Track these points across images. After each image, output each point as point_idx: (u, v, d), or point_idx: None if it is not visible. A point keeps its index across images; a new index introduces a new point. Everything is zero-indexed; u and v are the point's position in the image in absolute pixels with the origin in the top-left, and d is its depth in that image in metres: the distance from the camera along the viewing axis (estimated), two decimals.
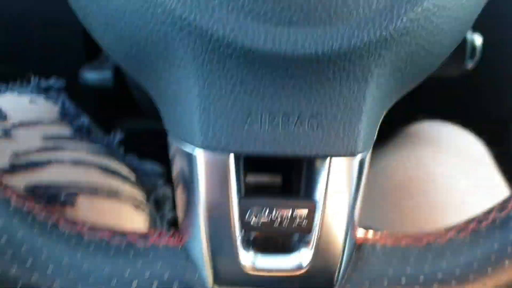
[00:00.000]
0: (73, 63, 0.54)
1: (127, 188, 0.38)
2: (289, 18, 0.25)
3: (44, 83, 0.40)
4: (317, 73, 0.25)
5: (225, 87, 0.26)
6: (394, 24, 0.25)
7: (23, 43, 0.56)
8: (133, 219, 0.37)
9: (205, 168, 0.27)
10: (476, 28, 0.50)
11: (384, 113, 0.28)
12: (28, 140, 0.35)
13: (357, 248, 0.29)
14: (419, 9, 0.25)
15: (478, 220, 0.30)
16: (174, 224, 0.40)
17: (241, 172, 0.27)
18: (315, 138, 0.26)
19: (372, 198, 0.49)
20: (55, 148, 0.36)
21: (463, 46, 0.50)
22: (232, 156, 0.26)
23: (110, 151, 0.39)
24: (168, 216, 0.41)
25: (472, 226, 0.30)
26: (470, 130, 0.56)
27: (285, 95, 0.26)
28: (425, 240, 0.30)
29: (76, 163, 0.36)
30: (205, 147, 0.26)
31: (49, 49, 0.56)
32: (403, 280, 0.29)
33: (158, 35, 0.25)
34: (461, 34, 0.29)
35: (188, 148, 0.27)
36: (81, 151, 0.37)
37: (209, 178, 0.27)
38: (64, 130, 0.37)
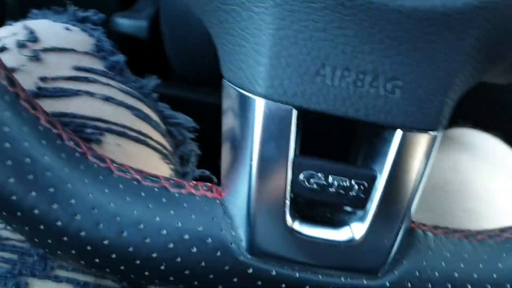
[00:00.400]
0: (106, 11, 0.52)
1: (157, 136, 0.36)
2: None
3: (81, 13, 0.37)
4: (410, 32, 0.23)
5: (304, 31, 0.24)
6: None
7: None
8: (158, 169, 0.35)
9: (264, 119, 0.24)
10: None
11: (464, 92, 0.26)
12: (58, 66, 0.33)
13: (409, 233, 0.27)
14: None
15: None
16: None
17: (301, 128, 0.25)
18: (392, 104, 0.24)
19: None
20: (86, 80, 0.33)
21: None
22: (295, 110, 0.24)
23: (142, 95, 0.36)
24: (193, 174, 0.39)
25: None
26: (509, 143, 0.54)
27: (367, 51, 0.24)
28: (479, 236, 0.28)
29: (107, 99, 0.33)
30: (268, 96, 0.24)
31: None
32: (456, 275, 0.26)
33: None
34: None
35: (247, 95, 0.25)
36: (112, 88, 0.34)
37: (266, 130, 0.25)
38: (97, 64, 0.35)
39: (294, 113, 0.24)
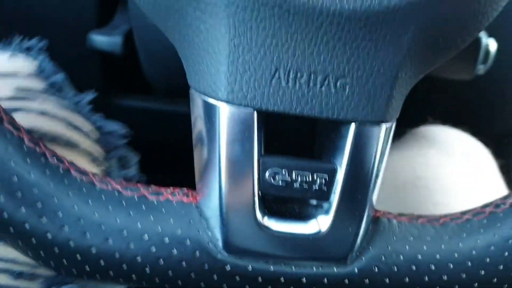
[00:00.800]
0: (84, 29, 0.55)
1: (87, 143, 0.41)
2: None
3: (26, 43, 0.43)
4: (352, 32, 0.26)
5: (256, 39, 0.26)
6: None
7: (35, 8, 0.56)
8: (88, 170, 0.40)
9: (228, 122, 0.27)
10: (492, 34, 0.51)
11: (413, 85, 0.29)
12: (1, 89, 0.38)
13: (374, 221, 0.29)
14: None
15: (495, 204, 0.31)
16: None
17: (263, 129, 0.27)
18: (343, 100, 0.27)
19: (379, 194, 0.50)
20: (25, 98, 0.39)
21: (476, 49, 0.50)
22: (255, 112, 0.27)
23: (78, 109, 0.42)
24: (135, 179, 0.44)
25: (489, 209, 0.30)
26: (478, 138, 0.57)
27: (315, 53, 0.26)
28: (441, 220, 0.30)
29: (43, 113, 0.39)
30: (229, 101, 0.27)
31: (60, 14, 0.56)
32: (419, 257, 0.29)
33: None
34: (493, 11, 0.29)
35: (211, 102, 0.27)
36: (49, 104, 0.40)
37: (231, 133, 0.27)
38: (38, 84, 0.41)
39: (255, 115, 0.27)
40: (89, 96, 0.43)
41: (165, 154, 0.82)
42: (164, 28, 0.29)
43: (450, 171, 0.51)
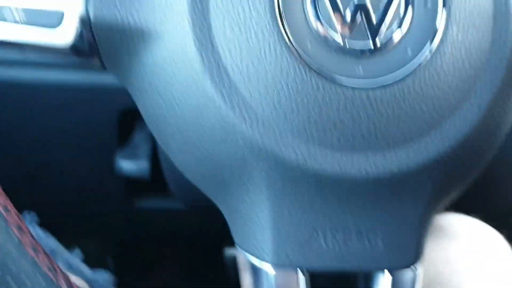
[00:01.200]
0: (105, 145, 0.57)
1: None
2: (352, 145, 0.29)
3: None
4: (376, 192, 0.30)
5: (295, 206, 0.30)
6: (444, 148, 0.29)
7: (55, 122, 0.59)
8: None
9: (273, 282, 0.30)
10: None
11: (434, 220, 0.32)
12: None
13: None
14: (466, 133, 0.30)
15: None
16: None
17: (306, 285, 0.30)
18: (376, 253, 0.30)
19: None
20: None
21: None
22: (300, 272, 0.30)
23: (70, 267, 0.50)
24: None
25: None
26: (489, 221, 0.59)
27: (348, 213, 0.30)
28: None
29: None
30: (275, 263, 0.30)
31: (82, 133, 0.59)
32: None
33: (236, 161, 0.30)
34: (498, 145, 0.33)
35: (257, 262, 0.30)
36: None
37: None
38: None
39: (299, 273, 0.30)
40: (79, 254, 0.52)
41: (186, 251, 0.84)
42: (210, 195, 0.33)
43: (469, 264, 0.54)
